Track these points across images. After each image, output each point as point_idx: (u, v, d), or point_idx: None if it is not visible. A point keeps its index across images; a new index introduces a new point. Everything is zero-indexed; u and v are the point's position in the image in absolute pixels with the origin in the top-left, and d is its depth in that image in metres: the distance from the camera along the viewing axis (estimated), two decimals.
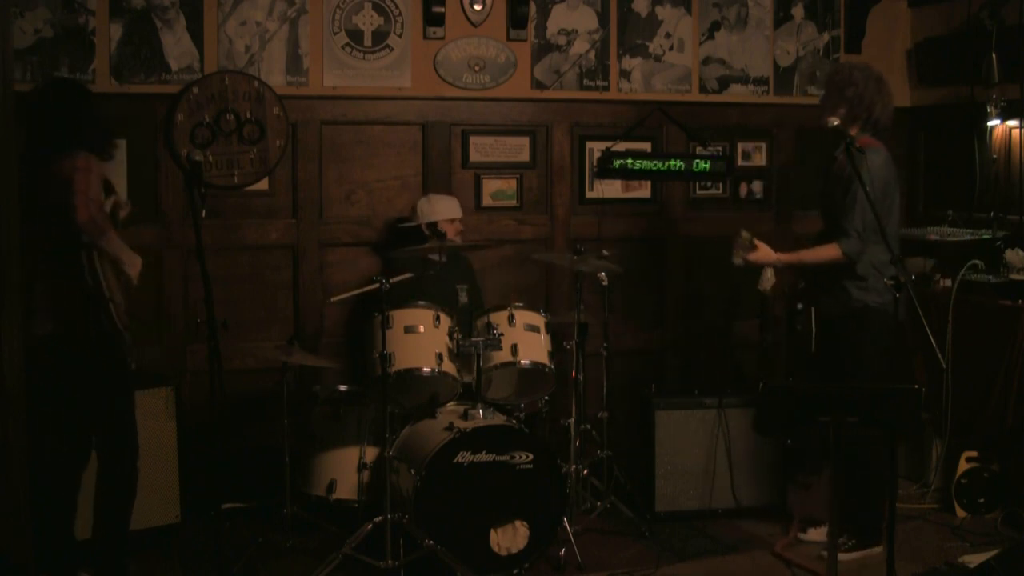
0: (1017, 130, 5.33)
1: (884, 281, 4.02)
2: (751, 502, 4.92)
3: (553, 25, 5.42)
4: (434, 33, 5.24)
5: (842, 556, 4.11)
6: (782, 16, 5.78)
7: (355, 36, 5.15)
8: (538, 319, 4.53)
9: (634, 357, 5.62)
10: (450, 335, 4.34)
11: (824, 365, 4.57)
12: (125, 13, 4.85)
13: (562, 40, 5.44)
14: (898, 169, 4.51)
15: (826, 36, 5.86)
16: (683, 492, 4.91)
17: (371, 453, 4.43)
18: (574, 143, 5.52)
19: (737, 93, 5.72)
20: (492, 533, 4.18)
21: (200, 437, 4.61)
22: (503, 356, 4.39)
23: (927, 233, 5.23)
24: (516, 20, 5.33)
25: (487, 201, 5.41)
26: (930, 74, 5.85)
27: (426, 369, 4.26)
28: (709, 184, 5.72)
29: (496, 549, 4.18)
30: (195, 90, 4.92)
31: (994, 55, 5.29)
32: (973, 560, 4.20)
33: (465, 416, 4.32)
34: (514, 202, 5.46)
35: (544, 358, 4.46)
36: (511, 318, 4.43)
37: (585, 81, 5.48)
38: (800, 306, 5.30)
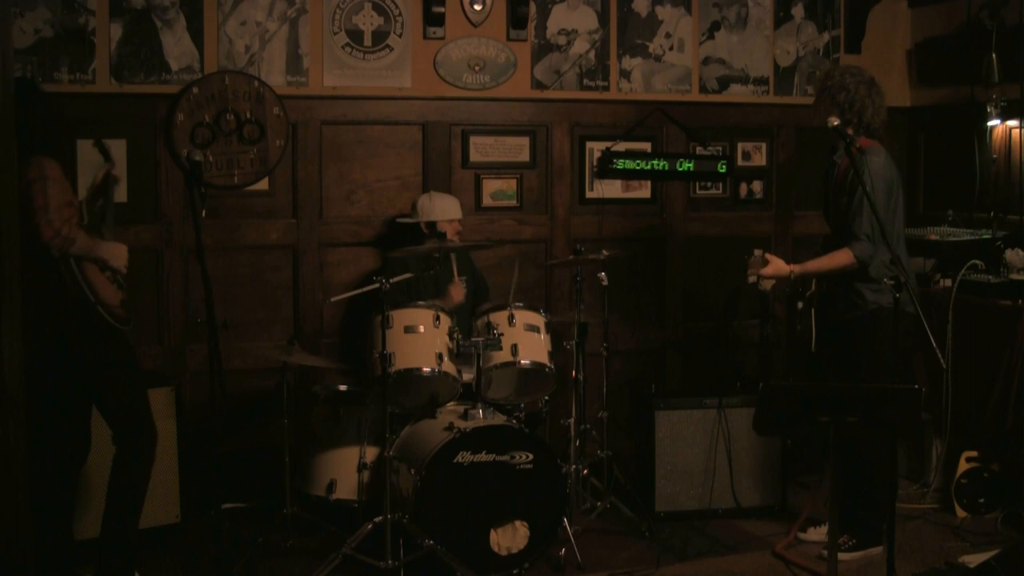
0: (1017, 130, 5.33)
1: (884, 281, 4.02)
2: (751, 502, 4.93)
3: (553, 25, 5.43)
4: (434, 33, 5.24)
5: (842, 556, 4.11)
6: (782, 16, 5.78)
7: (355, 36, 5.15)
8: (538, 319, 4.53)
9: (634, 357, 5.62)
10: (450, 335, 4.33)
11: (827, 366, 4.56)
12: (125, 13, 4.85)
13: (562, 40, 5.44)
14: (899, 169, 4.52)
15: (826, 36, 5.86)
16: (683, 492, 4.91)
17: (371, 453, 4.43)
18: (574, 143, 5.52)
19: (737, 93, 5.72)
20: (492, 533, 4.18)
21: (200, 437, 4.61)
22: (503, 356, 4.38)
23: (927, 233, 5.23)
24: (516, 20, 5.33)
25: (487, 201, 5.41)
26: (930, 74, 5.85)
27: (426, 369, 4.26)
28: (709, 184, 5.72)
29: (496, 549, 4.18)
30: (195, 90, 4.92)
31: (994, 55, 5.29)
32: (973, 560, 4.20)
33: (465, 416, 4.32)
34: (514, 202, 5.46)
35: (544, 358, 4.46)
36: (511, 318, 4.43)
37: (585, 81, 5.48)
38: (800, 306, 5.31)
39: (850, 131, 4.35)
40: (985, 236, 5.12)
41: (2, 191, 2.86)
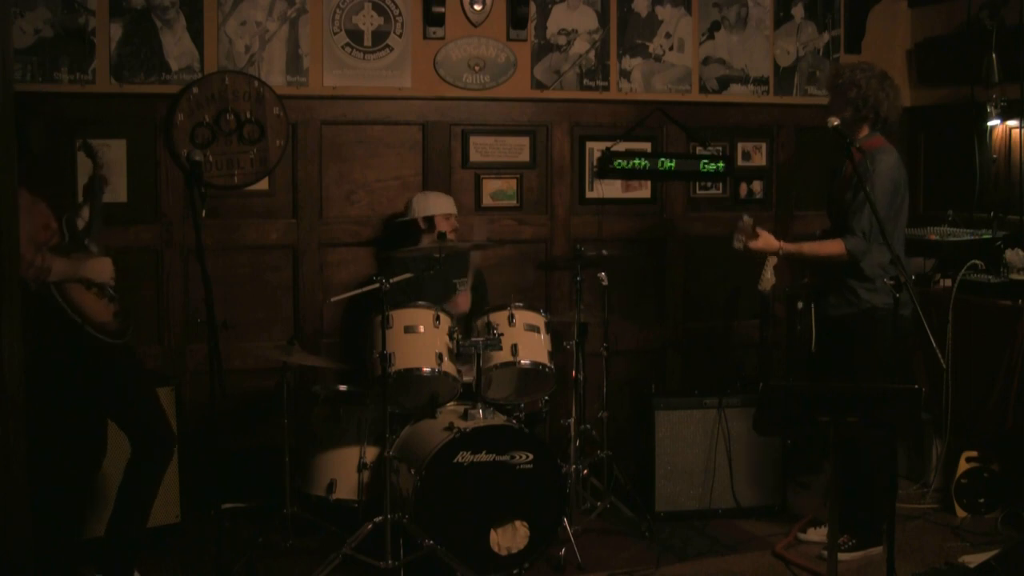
0: (1017, 130, 5.33)
1: (884, 280, 4.02)
2: (751, 502, 4.93)
3: (553, 25, 5.43)
4: (434, 33, 5.24)
5: (842, 556, 4.12)
6: (782, 16, 5.78)
7: (355, 36, 5.15)
8: (538, 319, 4.53)
9: (634, 357, 5.62)
10: (450, 335, 4.33)
11: (829, 365, 4.56)
12: (125, 13, 4.85)
13: (562, 40, 5.44)
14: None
15: (826, 36, 5.86)
16: (683, 492, 4.91)
17: (371, 453, 4.43)
18: (574, 143, 5.52)
19: (737, 93, 5.73)
20: (492, 533, 4.18)
21: (200, 437, 4.61)
22: (503, 356, 4.38)
23: (927, 233, 5.23)
24: (516, 20, 5.33)
25: (487, 201, 5.41)
26: (930, 74, 5.85)
27: (426, 369, 4.26)
28: (709, 184, 5.72)
29: (496, 549, 4.18)
30: (195, 90, 4.92)
31: (994, 55, 5.29)
32: (973, 560, 4.20)
33: (465, 416, 4.32)
34: (514, 202, 5.46)
35: (544, 358, 4.46)
36: (511, 318, 4.43)
37: (585, 81, 5.48)
38: (800, 306, 5.30)
39: (867, 128, 4.36)
40: (985, 236, 5.12)
41: (2, 191, 2.86)
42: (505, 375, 4.50)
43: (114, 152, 4.74)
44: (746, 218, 4.42)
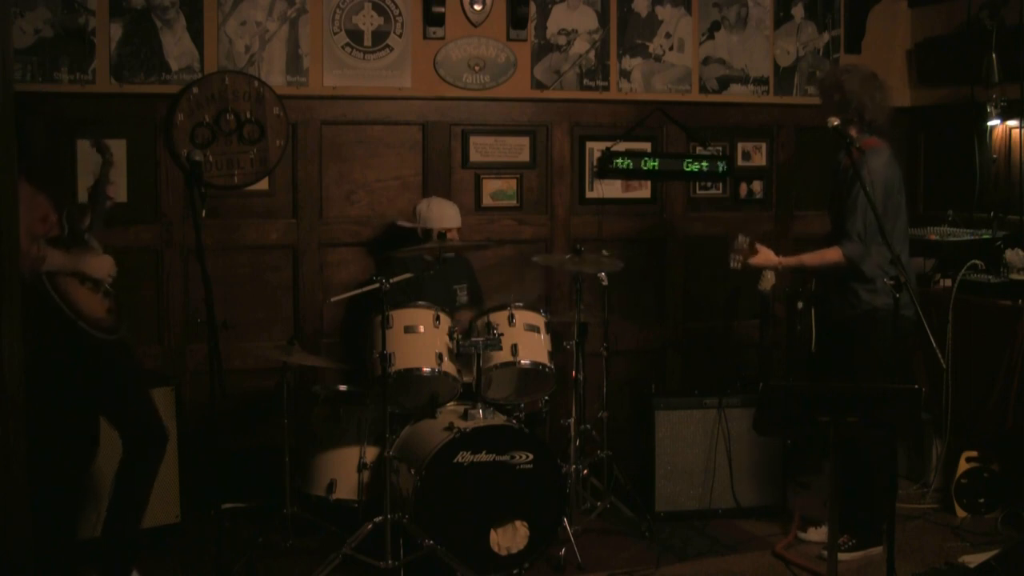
0: (1017, 130, 5.33)
1: (884, 281, 4.02)
2: (751, 502, 4.92)
3: (553, 25, 5.43)
4: (434, 33, 5.24)
5: (842, 556, 4.11)
6: (782, 16, 5.78)
7: (355, 36, 5.15)
8: (538, 319, 4.53)
9: (634, 357, 5.62)
10: (450, 335, 4.33)
11: (829, 365, 4.56)
12: (125, 13, 4.85)
13: (562, 40, 5.44)
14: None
15: (826, 36, 5.86)
16: (683, 492, 4.91)
17: (371, 453, 4.43)
18: (574, 143, 5.52)
19: (737, 93, 5.72)
20: (492, 533, 4.18)
21: (200, 437, 4.61)
22: (503, 356, 4.38)
23: (927, 233, 5.23)
24: (516, 20, 5.33)
25: (487, 201, 5.41)
26: (930, 74, 5.85)
27: (426, 369, 4.26)
28: (709, 184, 5.72)
29: (496, 549, 4.18)
30: (195, 90, 4.92)
31: (994, 55, 5.29)
32: (973, 560, 4.20)
33: (465, 416, 4.32)
34: (514, 202, 5.46)
35: (544, 358, 4.46)
36: (511, 318, 4.43)
37: (585, 81, 5.48)
38: (800, 306, 5.31)
39: (854, 131, 4.35)
40: (985, 236, 5.12)
41: (2, 191, 2.86)
42: (505, 375, 4.50)
43: (114, 152, 4.72)
44: (741, 237, 4.41)
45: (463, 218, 5.12)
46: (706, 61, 5.67)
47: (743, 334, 5.73)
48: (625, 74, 5.54)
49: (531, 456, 4.22)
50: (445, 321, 4.34)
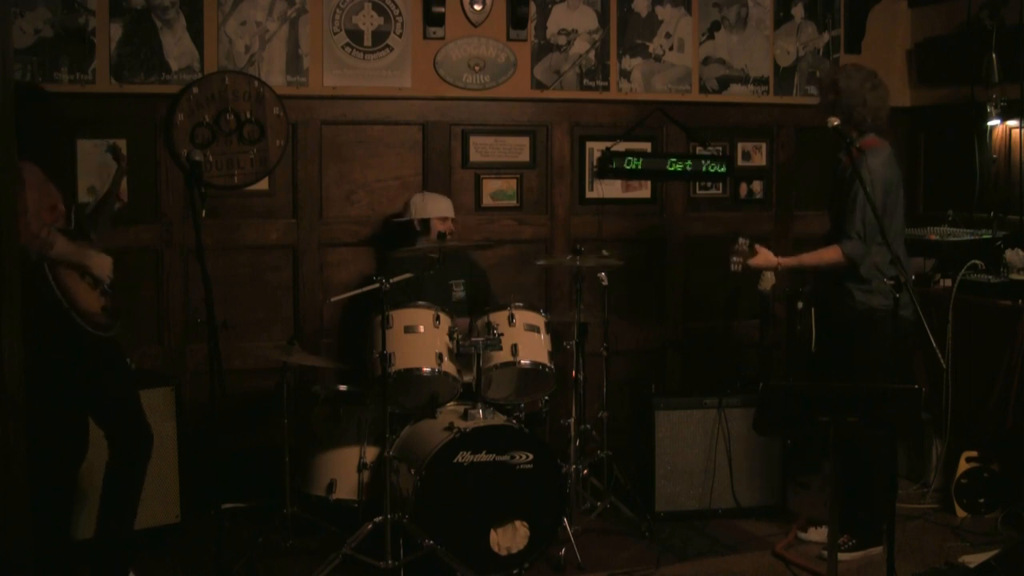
0: (1017, 130, 5.33)
1: (884, 281, 4.02)
2: (751, 502, 4.92)
3: (553, 25, 5.42)
4: (434, 33, 5.24)
5: (842, 556, 4.11)
6: (782, 16, 5.78)
7: (355, 36, 5.15)
8: (538, 319, 4.53)
9: (634, 357, 5.62)
10: (450, 335, 4.33)
11: (829, 365, 4.56)
12: (125, 13, 4.85)
13: (562, 40, 5.44)
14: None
15: (826, 36, 5.86)
16: (683, 492, 4.91)
17: (371, 453, 4.43)
18: (574, 143, 5.52)
19: (737, 93, 5.73)
20: (492, 533, 4.18)
21: (200, 437, 4.61)
22: (503, 356, 4.38)
23: (927, 233, 5.23)
24: (516, 20, 5.33)
25: (487, 201, 5.41)
26: (930, 74, 5.85)
27: (426, 369, 4.26)
28: (709, 184, 5.72)
29: (496, 549, 4.18)
30: (195, 90, 4.92)
31: (994, 55, 5.29)
32: (973, 560, 4.20)
33: (465, 416, 4.32)
34: (514, 202, 5.46)
35: (544, 358, 4.46)
36: (511, 318, 4.43)
37: (585, 81, 5.48)
38: (800, 306, 5.30)
39: (853, 129, 4.35)
40: (985, 236, 5.12)
41: (2, 191, 2.86)
42: (505, 375, 4.50)
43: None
44: (741, 240, 4.42)
45: (463, 218, 5.13)
46: (706, 61, 5.67)
47: (743, 334, 5.73)
48: (625, 74, 5.54)
49: (531, 456, 4.22)
50: (445, 321, 4.34)
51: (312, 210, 5.16)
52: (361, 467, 4.41)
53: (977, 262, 4.93)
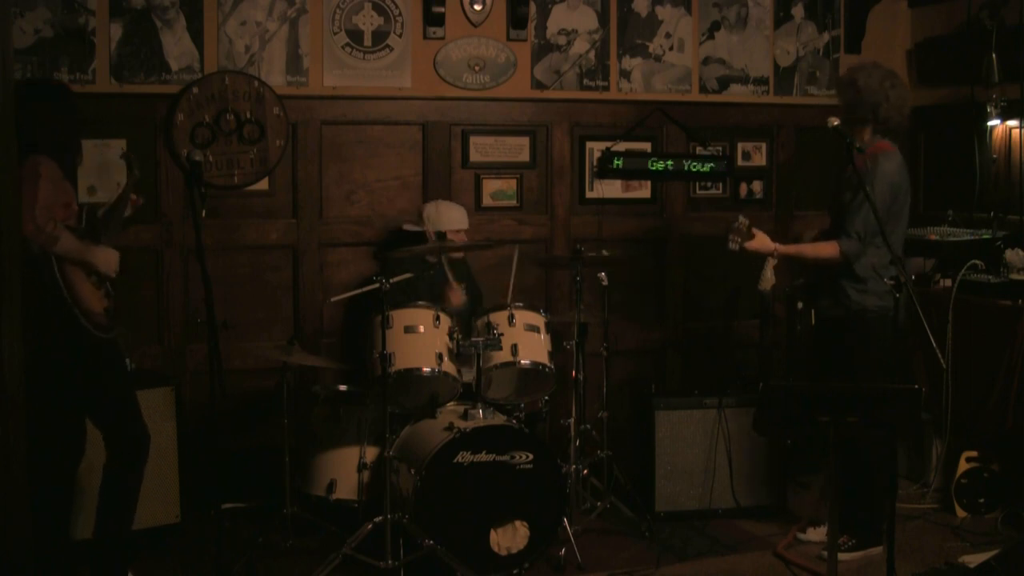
0: (1017, 130, 5.33)
1: (885, 281, 4.02)
2: (751, 502, 4.93)
3: (553, 25, 5.43)
4: (434, 33, 5.24)
5: (842, 556, 4.11)
6: (782, 16, 5.78)
7: (355, 36, 5.15)
8: (538, 319, 4.53)
9: (634, 357, 5.62)
10: (450, 335, 4.33)
11: (829, 365, 4.57)
12: (125, 13, 4.85)
13: (562, 40, 5.44)
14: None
15: (826, 36, 5.86)
16: (683, 492, 4.91)
17: (371, 453, 4.43)
18: (574, 143, 5.52)
19: (737, 93, 5.73)
20: (492, 533, 4.18)
21: (200, 437, 4.61)
22: (503, 356, 4.38)
23: (927, 233, 5.23)
24: (516, 20, 5.33)
25: (487, 201, 5.41)
26: (930, 74, 5.85)
27: (426, 369, 4.26)
28: (709, 184, 5.72)
29: (496, 549, 4.18)
30: (195, 90, 4.92)
31: (994, 55, 5.29)
32: (973, 560, 4.20)
33: (465, 416, 4.32)
34: (514, 202, 5.46)
35: (544, 358, 4.46)
36: (511, 318, 4.43)
37: (585, 81, 5.48)
38: (800, 306, 5.30)
39: (869, 130, 4.35)
40: (985, 236, 5.12)
41: (2, 191, 2.86)
42: (505, 375, 4.50)
43: (114, 152, 4.74)
44: (741, 219, 4.41)
45: None
46: (706, 61, 5.67)
47: (743, 334, 5.73)
48: (625, 74, 5.54)
49: (531, 456, 4.22)
50: (445, 321, 4.34)
51: (312, 210, 5.16)
52: (361, 467, 4.41)
53: (977, 262, 4.94)
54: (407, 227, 5.05)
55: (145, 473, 4.06)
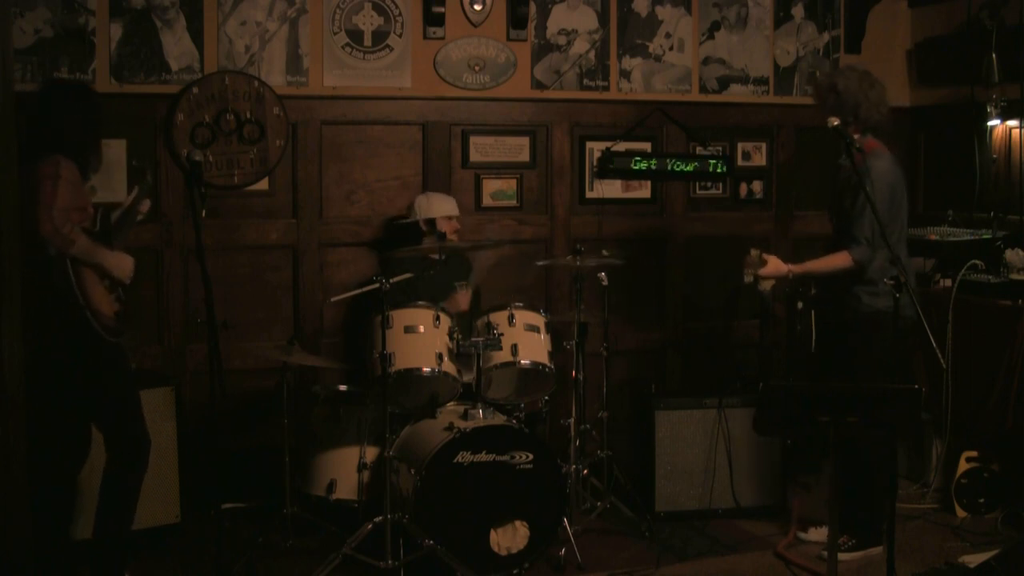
0: (1017, 130, 5.33)
1: (885, 282, 4.02)
2: (751, 502, 4.92)
3: (553, 25, 5.43)
4: (434, 33, 5.24)
5: (842, 556, 4.11)
6: (782, 16, 5.78)
7: (355, 36, 5.15)
8: (538, 319, 4.53)
9: (634, 357, 5.62)
10: (450, 335, 4.33)
11: (829, 365, 4.56)
12: (125, 13, 4.85)
13: (562, 40, 5.44)
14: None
15: (826, 36, 5.86)
16: (683, 492, 4.91)
17: (371, 453, 4.43)
18: (574, 143, 5.52)
19: (737, 93, 5.73)
20: (492, 533, 4.18)
21: (200, 437, 4.61)
22: (503, 356, 4.38)
23: (927, 233, 5.23)
24: (516, 20, 5.33)
25: (487, 201, 5.41)
26: (930, 74, 5.85)
27: (426, 369, 4.26)
28: (709, 184, 5.72)
29: (496, 549, 4.18)
30: (195, 90, 4.92)
31: (994, 55, 5.29)
32: (973, 560, 4.20)
33: (465, 416, 4.32)
34: (514, 202, 5.46)
35: (544, 358, 4.46)
36: (511, 318, 4.43)
37: (585, 81, 5.48)
38: (800, 306, 5.31)
39: (853, 131, 4.35)
40: (985, 236, 5.12)
41: (2, 191, 2.86)
42: (505, 375, 4.50)
43: (114, 152, 4.74)
44: (753, 251, 4.44)
45: (463, 218, 5.12)
46: (706, 61, 5.67)
47: (743, 334, 5.73)
48: (625, 74, 5.54)
49: (531, 456, 4.22)
50: (445, 321, 4.34)
51: (312, 210, 5.16)
52: (361, 467, 4.41)
53: (977, 262, 4.94)
54: (398, 221, 5.06)
55: (145, 474, 4.07)
